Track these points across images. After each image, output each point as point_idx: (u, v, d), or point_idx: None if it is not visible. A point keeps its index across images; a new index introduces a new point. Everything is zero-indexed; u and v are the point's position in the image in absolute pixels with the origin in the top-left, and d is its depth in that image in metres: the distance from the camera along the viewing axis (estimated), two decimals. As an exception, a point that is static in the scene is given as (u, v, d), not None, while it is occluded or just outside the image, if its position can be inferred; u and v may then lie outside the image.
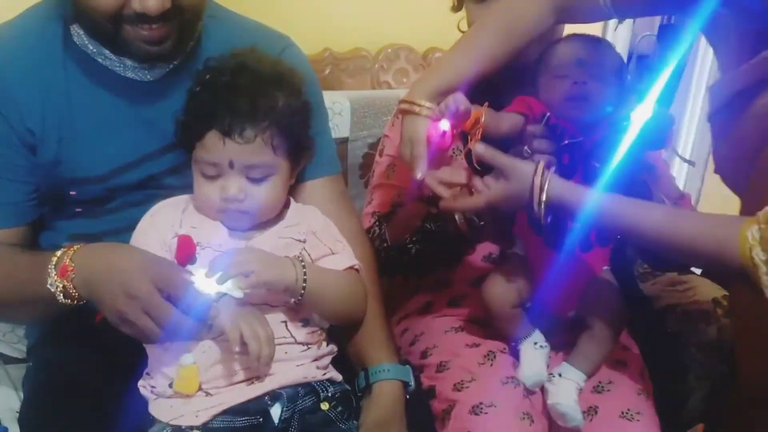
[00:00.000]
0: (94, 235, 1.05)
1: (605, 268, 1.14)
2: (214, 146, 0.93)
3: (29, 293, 0.95)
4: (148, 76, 1.02)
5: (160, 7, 0.90)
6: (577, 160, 1.06)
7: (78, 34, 1.00)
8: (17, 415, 1.05)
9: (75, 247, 0.92)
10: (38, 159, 1.01)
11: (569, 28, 1.20)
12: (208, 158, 0.94)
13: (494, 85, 1.14)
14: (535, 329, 1.13)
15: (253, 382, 0.93)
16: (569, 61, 1.08)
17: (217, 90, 0.94)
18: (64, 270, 0.90)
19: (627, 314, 1.12)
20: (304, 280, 0.94)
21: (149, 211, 1.00)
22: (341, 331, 1.08)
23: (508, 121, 1.08)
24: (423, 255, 1.21)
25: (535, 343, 1.11)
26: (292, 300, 0.95)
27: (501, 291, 1.12)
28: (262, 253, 0.95)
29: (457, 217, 1.09)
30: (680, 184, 3.34)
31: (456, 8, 1.30)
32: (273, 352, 0.91)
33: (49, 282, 0.90)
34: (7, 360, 1.22)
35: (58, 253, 0.92)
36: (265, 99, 0.94)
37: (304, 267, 0.95)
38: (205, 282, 0.89)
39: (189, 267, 0.93)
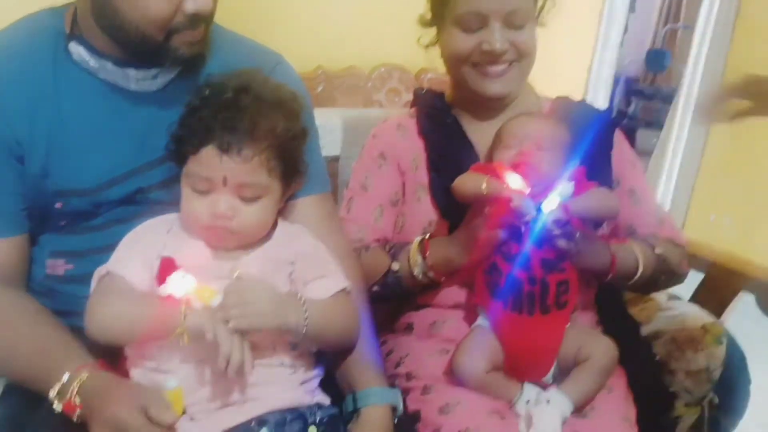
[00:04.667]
0: (76, 252, 1.04)
1: (568, 325, 1.15)
2: (209, 161, 0.92)
3: (32, 385, 0.94)
4: (152, 86, 1.03)
5: (212, 6, 0.96)
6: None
7: (77, 51, 1.00)
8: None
9: (80, 378, 0.90)
10: (26, 170, 1.00)
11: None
12: (202, 173, 0.93)
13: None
14: (524, 384, 1.11)
15: (239, 407, 0.91)
16: (519, 135, 1.15)
17: (219, 106, 0.94)
18: (69, 406, 0.89)
19: (617, 354, 1.14)
20: (306, 324, 0.92)
21: (134, 230, 0.99)
22: (329, 354, 1.06)
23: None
24: (383, 298, 1.23)
25: (528, 401, 1.09)
26: (291, 339, 0.94)
27: (469, 359, 1.10)
28: (268, 296, 0.91)
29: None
30: (665, 207, 3.38)
31: (429, 23, 1.28)
32: (243, 359, 0.86)
33: (51, 396, 0.90)
34: (-15, 377, 1.19)
35: (64, 378, 0.90)
36: (266, 120, 0.94)
37: (306, 311, 0.93)
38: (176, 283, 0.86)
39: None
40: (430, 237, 1.20)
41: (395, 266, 1.20)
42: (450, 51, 1.22)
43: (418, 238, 1.20)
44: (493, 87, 1.20)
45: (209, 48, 1.05)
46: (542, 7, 1.23)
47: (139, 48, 0.97)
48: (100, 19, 0.96)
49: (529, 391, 1.10)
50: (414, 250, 1.19)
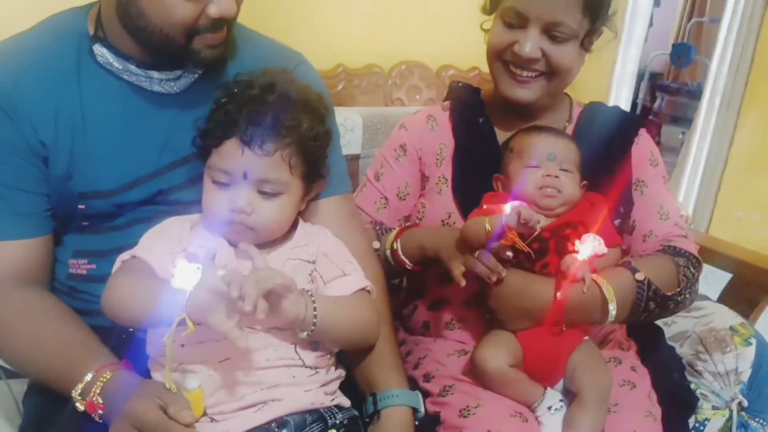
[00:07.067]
0: (99, 252, 1.05)
1: (586, 338, 1.12)
2: (231, 154, 0.92)
3: (54, 384, 0.95)
4: (175, 88, 1.03)
5: (236, 10, 0.95)
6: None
7: (101, 53, 1.01)
8: (18, 431, 1.03)
9: (103, 378, 0.90)
10: (50, 171, 1.01)
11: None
12: (223, 165, 0.93)
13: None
14: (547, 389, 1.08)
15: (260, 408, 0.91)
16: (542, 154, 1.14)
17: (244, 101, 0.94)
18: (92, 405, 0.90)
19: (611, 380, 1.09)
20: (315, 315, 0.92)
21: (158, 225, 1.00)
22: (349, 355, 1.06)
23: None
24: None
25: (549, 407, 1.07)
26: (304, 334, 0.93)
27: (493, 350, 1.08)
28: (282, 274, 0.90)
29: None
30: (690, 203, 3.33)
31: (487, 11, 1.24)
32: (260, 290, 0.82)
33: (74, 395, 0.91)
34: (10, 374, 1.20)
35: (87, 378, 0.91)
36: (290, 117, 0.94)
37: (314, 301, 0.93)
38: (185, 275, 0.84)
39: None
40: (412, 226, 1.22)
41: (375, 245, 1.21)
42: (488, 41, 1.20)
43: (402, 226, 1.22)
44: (516, 91, 1.18)
45: (232, 49, 1.05)
46: (591, 32, 1.18)
47: (161, 50, 0.97)
48: (125, 21, 0.96)
49: (552, 397, 1.08)
50: (392, 234, 1.20)
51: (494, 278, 1.05)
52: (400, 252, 1.18)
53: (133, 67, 1.01)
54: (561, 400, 1.07)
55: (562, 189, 1.12)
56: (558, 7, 1.12)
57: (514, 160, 1.17)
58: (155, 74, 1.01)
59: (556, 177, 1.12)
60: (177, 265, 0.84)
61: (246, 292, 0.80)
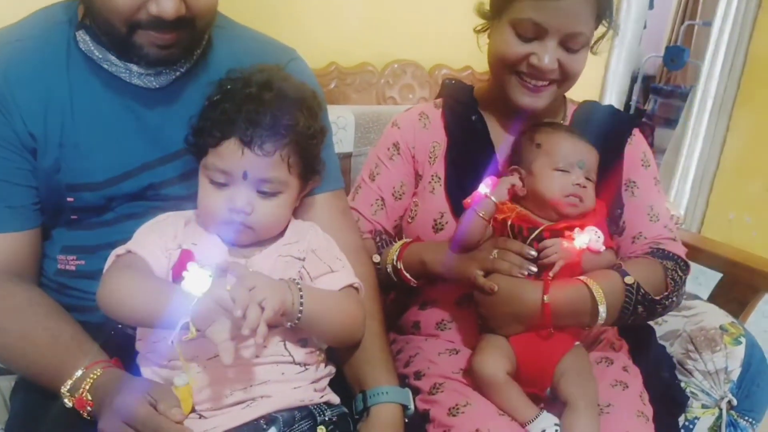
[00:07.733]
0: (88, 248, 1.04)
1: (577, 343, 1.12)
2: (231, 155, 0.92)
3: (43, 380, 0.95)
4: (154, 83, 1.02)
5: (176, 11, 0.90)
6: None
7: (84, 40, 0.99)
8: (4, 427, 1.03)
9: (93, 374, 0.90)
10: (39, 163, 1.00)
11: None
12: (222, 166, 0.93)
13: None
14: (542, 410, 1.05)
15: (249, 405, 0.91)
16: (573, 160, 1.12)
17: (242, 100, 0.93)
18: (80, 402, 0.90)
19: (597, 385, 1.09)
20: (301, 304, 0.91)
21: (151, 220, 0.99)
22: (339, 351, 1.06)
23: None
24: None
25: (544, 431, 1.03)
26: (288, 324, 0.92)
27: (491, 357, 1.07)
28: (267, 278, 0.90)
29: None
30: (682, 205, 3.34)
31: (486, 15, 1.22)
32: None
33: (62, 391, 0.91)
34: (-2, 371, 1.20)
35: (77, 374, 0.91)
36: (288, 116, 0.94)
37: (300, 290, 0.92)
38: (196, 280, 0.84)
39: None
40: (413, 241, 1.22)
41: (376, 258, 1.21)
42: (497, 51, 1.17)
43: (402, 241, 1.22)
44: (528, 100, 1.16)
45: (207, 51, 1.05)
46: (601, 37, 1.18)
47: (108, 38, 0.96)
48: (86, 5, 0.95)
49: (546, 419, 1.04)
50: (393, 250, 1.20)
51: (525, 271, 1.06)
52: (404, 271, 1.18)
53: (112, 58, 0.99)
54: (556, 424, 1.03)
55: (585, 199, 1.11)
56: (576, 18, 1.10)
57: (541, 157, 1.13)
58: (134, 67, 0.99)
59: (584, 187, 1.11)
60: (189, 268, 0.84)
61: (247, 315, 0.80)
